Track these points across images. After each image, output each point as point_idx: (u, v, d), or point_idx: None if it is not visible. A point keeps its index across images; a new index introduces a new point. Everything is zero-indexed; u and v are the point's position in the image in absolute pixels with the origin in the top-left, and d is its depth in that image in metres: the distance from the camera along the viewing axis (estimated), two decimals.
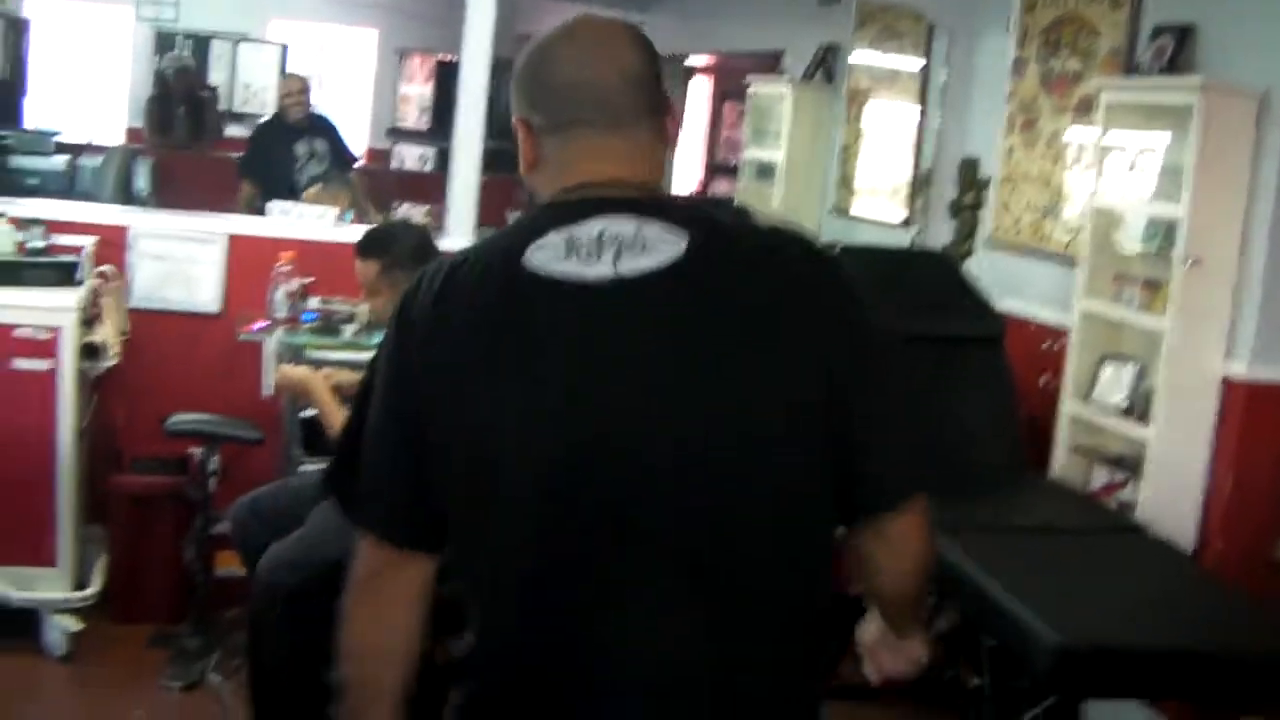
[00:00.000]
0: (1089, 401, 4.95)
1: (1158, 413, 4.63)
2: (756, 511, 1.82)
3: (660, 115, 1.95)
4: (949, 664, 4.53)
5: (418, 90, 12.68)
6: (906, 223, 6.50)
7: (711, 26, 9.28)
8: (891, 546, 1.98)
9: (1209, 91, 4.49)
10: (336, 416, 4.21)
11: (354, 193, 6.81)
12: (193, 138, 10.30)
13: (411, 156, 12.03)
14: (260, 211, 6.57)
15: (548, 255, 1.79)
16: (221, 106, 11.58)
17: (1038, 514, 4.57)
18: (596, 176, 1.89)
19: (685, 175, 10.43)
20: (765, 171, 7.71)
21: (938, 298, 5.16)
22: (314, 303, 5.17)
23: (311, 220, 5.81)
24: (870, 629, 2.29)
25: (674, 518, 1.78)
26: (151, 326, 5.23)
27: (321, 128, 7.62)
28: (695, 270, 1.80)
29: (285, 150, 7.58)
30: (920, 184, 6.40)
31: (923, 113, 6.50)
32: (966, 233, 6.00)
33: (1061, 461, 5.02)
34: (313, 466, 4.70)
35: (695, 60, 10.42)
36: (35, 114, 10.12)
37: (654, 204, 1.86)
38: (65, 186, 8.01)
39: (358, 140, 12.81)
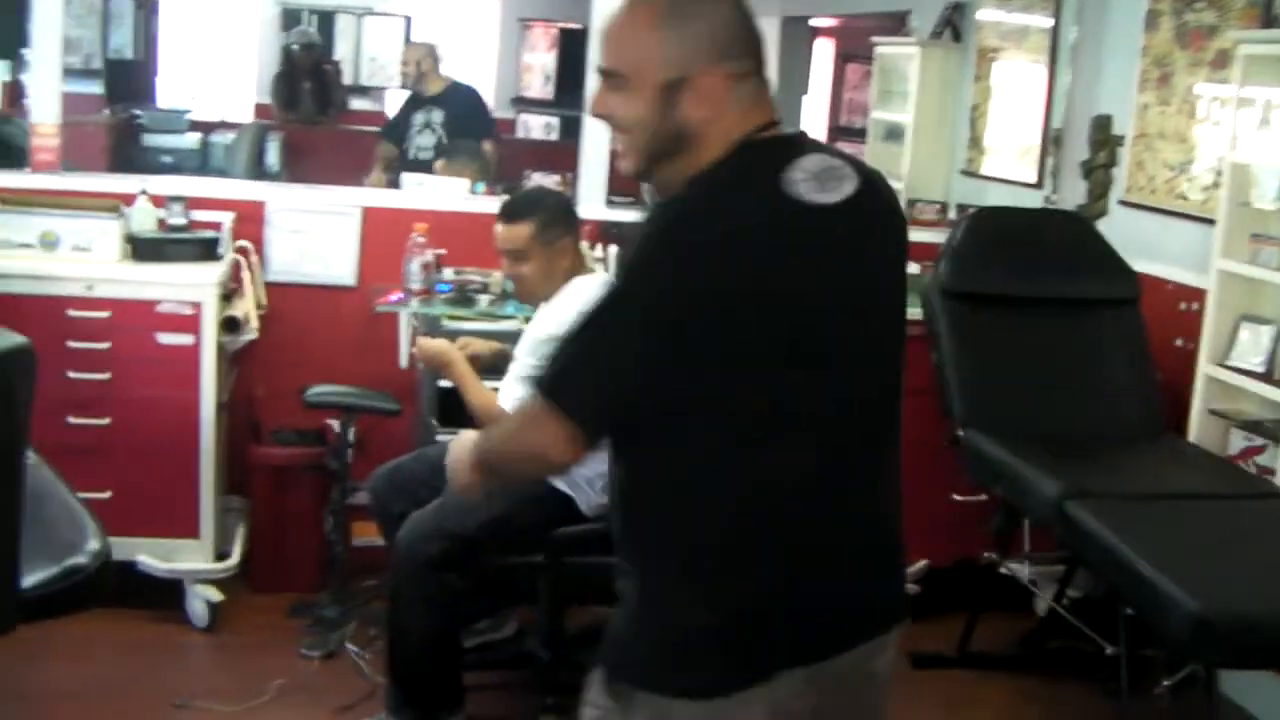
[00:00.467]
0: (1226, 364, 4.87)
1: None
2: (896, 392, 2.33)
3: None
4: (1084, 632, 4.51)
5: (541, 59, 12.71)
6: (1038, 183, 6.42)
7: None
8: None
9: None
10: (474, 388, 4.26)
11: (483, 164, 6.83)
12: (319, 112, 10.45)
13: (537, 125, 12.06)
14: (395, 176, 6.67)
15: (806, 187, 2.08)
16: (347, 80, 11.72)
17: (1174, 480, 4.52)
18: (771, 118, 2.18)
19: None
20: (894, 133, 7.67)
21: (1071, 259, 5.12)
22: (448, 274, 5.21)
23: (444, 191, 5.85)
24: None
25: (878, 389, 2.28)
26: (288, 300, 5.31)
27: (449, 99, 7.64)
28: (868, 198, 2.17)
29: (406, 118, 7.66)
30: (1051, 143, 6.32)
31: (1053, 71, 6.40)
32: (1099, 192, 5.91)
33: (1198, 425, 4.94)
34: (449, 437, 4.77)
35: (818, 22, 10.35)
36: (167, 93, 10.31)
37: (816, 143, 2.24)
38: (198, 164, 8.21)
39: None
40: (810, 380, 2.11)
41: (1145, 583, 3.62)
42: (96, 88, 8.80)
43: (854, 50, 9.51)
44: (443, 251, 5.25)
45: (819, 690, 2.18)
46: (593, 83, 2.27)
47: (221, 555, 4.86)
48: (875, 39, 8.13)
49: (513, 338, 4.52)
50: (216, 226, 5.06)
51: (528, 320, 4.56)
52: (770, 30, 10.07)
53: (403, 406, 4.88)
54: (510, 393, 4.23)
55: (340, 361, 5.22)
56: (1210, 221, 5.01)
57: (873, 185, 2.19)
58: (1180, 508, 4.19)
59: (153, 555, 4.71)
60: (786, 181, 2.07)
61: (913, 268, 5.50)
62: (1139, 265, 5.19)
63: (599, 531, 4.20)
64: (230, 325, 4.81)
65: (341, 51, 11.82)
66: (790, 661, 2.15)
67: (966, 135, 7.22)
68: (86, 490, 3.61)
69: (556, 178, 6.05)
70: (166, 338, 4.64)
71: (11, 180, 5.07)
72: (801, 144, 2.17)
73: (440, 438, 4.81)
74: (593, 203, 5.60)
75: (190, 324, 4.64)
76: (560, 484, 4.20)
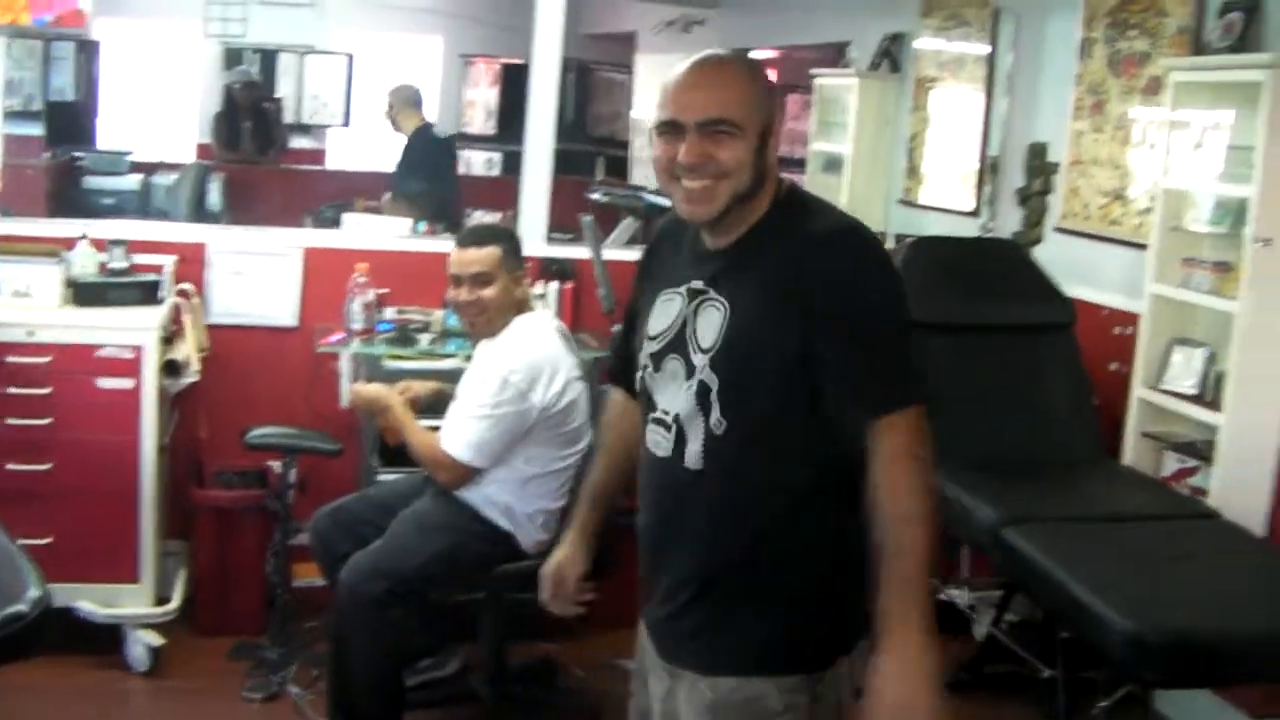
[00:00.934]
0: (1159, 387, 4.94)
1: (1229, 397, 4.61)
2: None
3: None
4: (1022, 655, 4.56)
5: (483, 94, 12.78)
6: (975, 211, 6.49)
7: (776, 20, 9.31)
8: None
9: (1278, 68, 4.46)
10: (413, 429, 4.30)
11: (425, 205, 6.88)
12: (259, 151, 10.46)
13: (479, 161, 12.12)
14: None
15: None
16: (290, 119, 11.72)
17: (1109, 502, 4.58)
18: None
19: None
20: (833, 163, 7.72)
21: (1008, 286, 5.18)
22: (390, 313, 5.22)
23: (386, 231, 5.87)
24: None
25: None
26: (230, 342, 5.28)
27: (410, 140, 7.74)
28: None
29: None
30: (988, 171, 6.39)
31: (989, 99, 6.48)
32: (1035, 219, 5.98)
33: (1132, 448, 5.01)
34: (391, 476, 4.79)
35: (759, 54, 10.42)
36: (107, 134, 10.28)
37: None
38: (139, 205, 8.19)
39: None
40: None
41: (1081, 605, 3.66)
42: (37, 130, 8.77)
43: (794, 81, 9.57)
44: (384, 291, 5.25)
45: None
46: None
47: (162, 599, 4.83)
48: (814, 70, 8.19)
49: (454, 376, 4.54)
50: (158, 269, 5.05)
51: (468, 359, 4.57)
52: None
53: (345, 447, 4.88)
54: (450, 431, 4.24)
55: (282, 402, 5.20)
56: (1143, 247, 5.08)
57: None
58: (1115, 530, 4.25)
59: (93, 601, 4.68)
60: None
61: None
62: (1074, 291, 5.26)
63: (539, 567, 4.25)
64: (171, 368, 4.80)
65: (284, 90, 11.82)
66: None
67: (904, 164, 7.28)
68: (26, 536, 3.60)
69: (498, 215, 6.06)
70: (107, 382, 4.62)
71: None
72: None
73: (382, 477, 4.82)
74: (534, 239, 5.61)
75: (131, 368, 4.62)
76: (501, 521, 4.23)
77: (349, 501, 4.53)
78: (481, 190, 9.08)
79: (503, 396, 4.15)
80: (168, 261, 5.12)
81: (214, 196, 8.45)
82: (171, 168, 9.03)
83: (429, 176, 7.57)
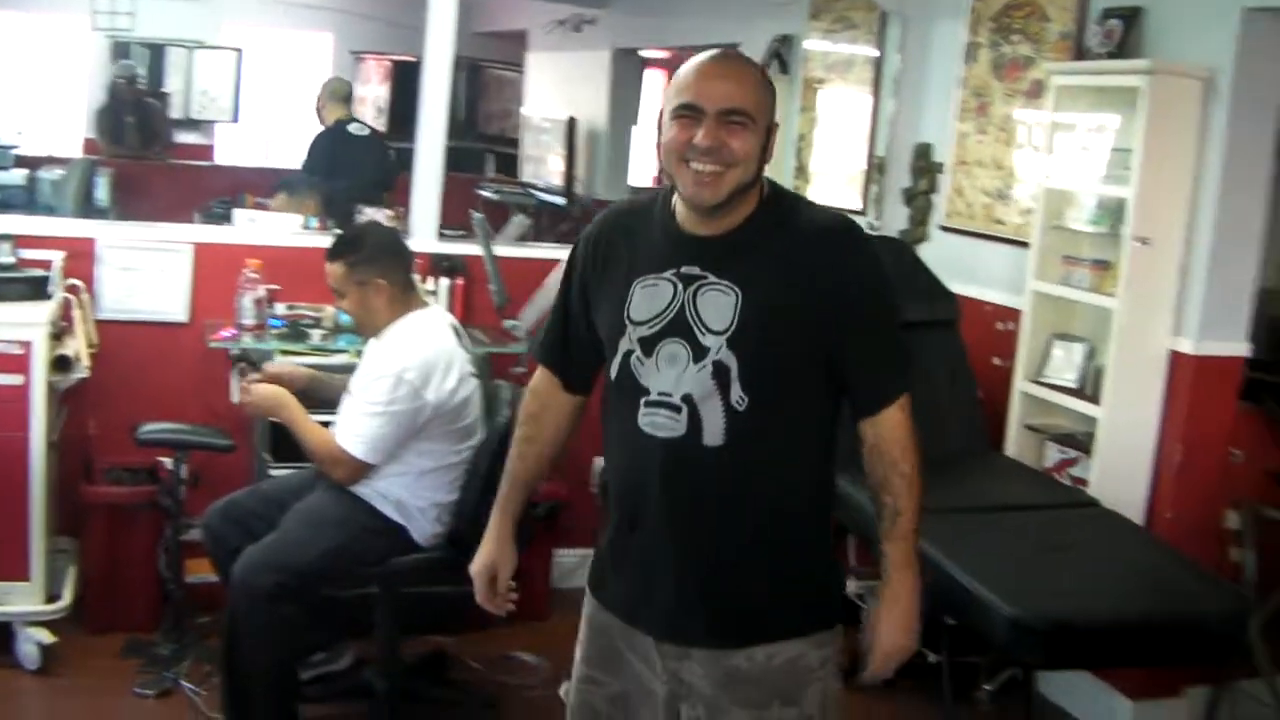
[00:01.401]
0: (1041, 380, 5.06)
1: (1107, 390, 4.76)
2: None
3: None
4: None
5: (374, 91, 12.74)
6: (862, 210, 6.58)
7: (666, 22, 9.36)
8: None
9: (1156, 74, 4.61)
10: (307, 426, 4.32)
11: (320, 200, 6.86)
12: (143, 145, 10.37)
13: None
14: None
15: None
16: (179, 114, 11.63)
17: (993, 494, 4.68)
18: None
19: (640, 167, 10.47)
20: None
21: (894, 283, 5.26)
22: (280, 309, 5.22)
23: (276, 227, 5.86)
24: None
25: None
26: (120, 337, 5.23)
27: (320, 134, 7.76)
28: None
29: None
30: (875, 170, 6.48)
31: (876, 100, 6.56)
32: (920, 218, 6.09)
33: (1015, 440, 5.15)
34: (283, 471, 4.79)
35: (649, 54, 10.49)
36: None
37: None
38: (25, 200, 8.07)
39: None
40: None
41: (966, 592, 3.76)
42: None
43: None
44: (275, 287, 5.25)
45: None
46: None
47: (53, 597, 4.78)
48: None
49: (346, 370, 4.57)
50: (46, 265, 5.00)
51: (359, 354, 4.59)
52: (601, 63, 10.21)
53: (236, 442, 4.87)
54: (344, 428, 4.27)
55: (174, 398, 5.19)
56: (1025, 245, 5.20)
57: None
58: (999, 519, 4.35)
59: None
60: None
61: None
62: (959, 288, 5.38)
63: (433, 560, 4.28)
64: (61, 364, 4.75)
65: (173, 85, 11.73)
66: None
67: (793, 164, 7.35)
68: None
69: (389, 212, 6.07)
70: None
71: None
72: None
73: (274, 472, 4.83)
74: (425, 236, 5.65)
75: (19, 364, 4.57)
76: (395, 515, 4.25)
77: (241, 496, 4.51)
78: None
79: (397, 394, 4.17)
80: (56, 257, 5.07)
81: (101, 192, 8.35)
82: (58, 162, 8.93)
83: (329, 171, 7.54)
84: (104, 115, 10.57)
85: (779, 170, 7.39)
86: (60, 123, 11.59)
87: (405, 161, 6.45)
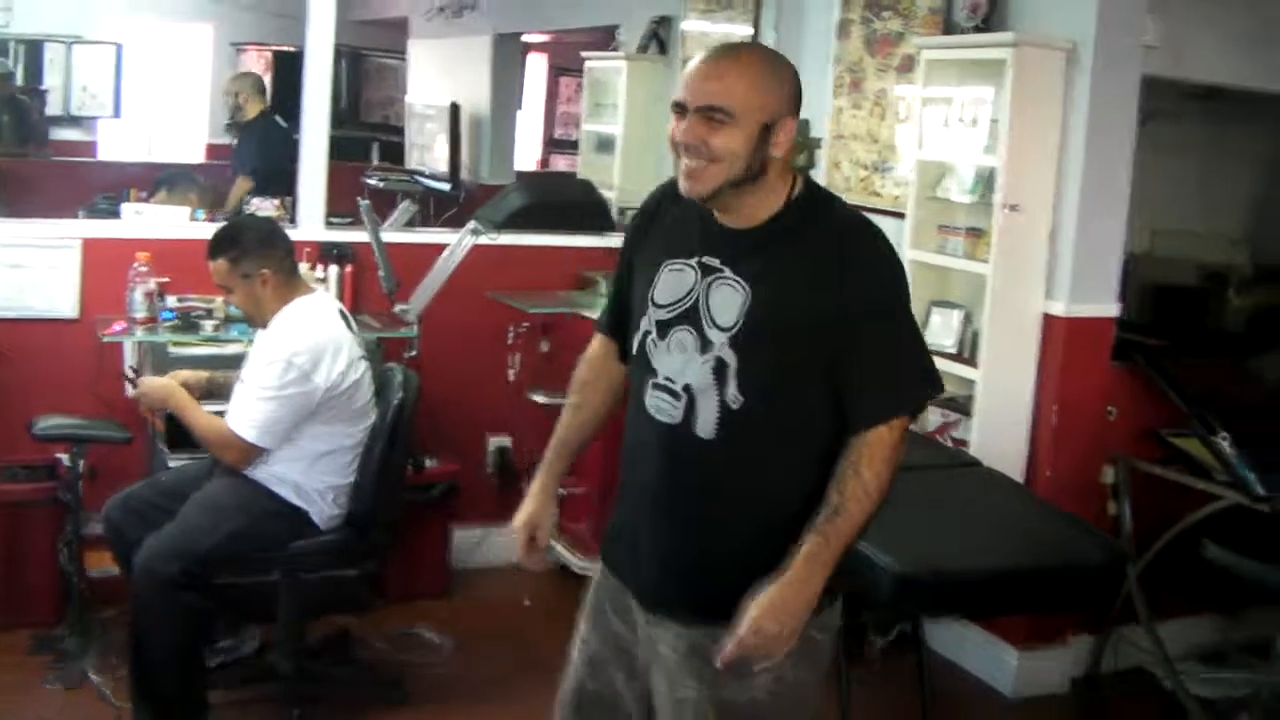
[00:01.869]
0: None
1: (984, 353, 4.93)
2: None
3: None
4: None
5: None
6: None
7: (546, 6, 9.44)
8: None
9: (1020, 46, 4.77)
10: (198, 415, 4.40)
11: (203, 192, 6.87)
12: (18, 143, 10.27)
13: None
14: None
15: None
16: (58, 111, 11.53)
17: None
18: None
19: (525, 151, 10.54)
20: (605, 144, 7.88)
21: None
22: (172, 301, 5.24)
23: (164, 220, 5.88)
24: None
25: None
26: (9, 335, 5.24)
27: (253, 125, 7.77)
28: None
29: None
30: None
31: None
32: None
33: None
34: (180, 462, 4.84)
35: (530, 38, 10.56)
36: None
37: None
38: None
39: (197, 137, 12.87)
40: None
41: (853, 553, 3.88)
42: None
43: (566, 65, 9.72)
44: (166, 280, 5.27)
45: None
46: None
47: None
48: (584, 54, 8.35)
49: (238, 361, 4.64)
50: None
51: (251, 343, 4.66)
52: (482, 48, 10.25)
53: (134, 435, 4.91)
54: (236, 413, 4.33)
55: (68, 394, 5.19)
56: (902, 215, 5.34)
57: None
58: None
59: None
60: None
61: None
62: None
63: (333, 543, 4.37)
64: None
65: (51, 81, 11.61)
66: None
67: None
68: None
69: (275, 201, 6.10)
70: None
71: None
72: None
73: (172, 463, 4.87)
74: (312, 224, 5.70)
75: None
76: (292, 498, 4.33)
77: (139, 488, 4.57)
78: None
79: (287, 378, 4.25)
80: None
81: None
82: None
83: (270, 160, 7.55)
84: None
85: (659, 152, 7.50)
86: None
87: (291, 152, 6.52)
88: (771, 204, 2.62)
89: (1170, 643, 4.95)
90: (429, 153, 10.43)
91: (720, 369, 2.59)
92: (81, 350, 5.31)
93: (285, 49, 11.48)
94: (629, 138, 7.57)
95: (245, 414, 4.29)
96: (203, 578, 4.16)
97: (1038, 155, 4.86)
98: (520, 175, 9.85)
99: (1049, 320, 4.94)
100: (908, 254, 5.19)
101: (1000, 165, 4.82)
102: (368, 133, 12.14)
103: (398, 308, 5.31)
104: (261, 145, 8.01)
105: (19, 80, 11.36)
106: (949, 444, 5.08)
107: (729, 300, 2.59)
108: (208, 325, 5.18)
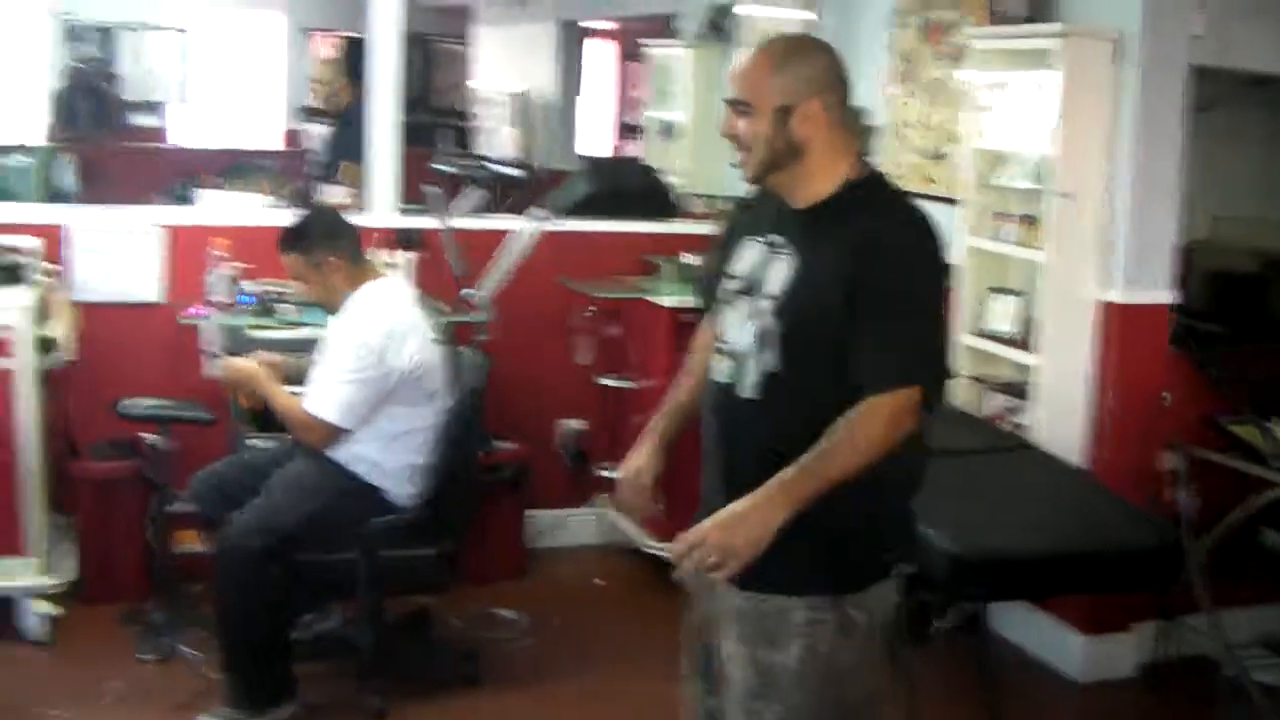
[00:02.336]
0: (980, 332, 5.32)
1: (1042, 339, 5.00)
2: None
3: None
4: None
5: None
6: None
7: None
8: None
9: (1068, 36, 4.85)
10: (279, 396, 4.55)
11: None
12: (97, 128, 10.44)
13: (324, 135, 12.19)
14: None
15: None
16: (131, 96, 11.73)
17: (936, 440, 4.91)
18: (858, 149, 2.90)
19: (596, 136, 10.63)
20: (669, 130, 7.98)
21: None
22: (249, 286, 5.39)
23: (242, 207, 6.04)
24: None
25: None
26: (95, 319, 5.35)
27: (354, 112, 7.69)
28: None
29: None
30: None
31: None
32: None
33: (959, 389, 5.39)
34: (260, 442, 5.01)
35: (591, 24, 10.66)
36: None
37: None
38: None
39: (274, 123, 13.02)
40: None
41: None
42: None
43: (634, 51, 9.81)
44: (244, 265, 5.43)
45: None
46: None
47: (52, 571, 4.96)
48: (644, 41, 8.45)
49: (313, 345, 4.80)
50: (21, 251, 5.14)
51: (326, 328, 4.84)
52: (547, 35, 10.38)
53: (216, 415, 5.06)
54: (316, 395, 4.50)
55: (151, 376, 5.35)
56: (957, 202, 5.44)
57: None
58: (942, 464, 4.56)
59: None
60: None
61: (690, 257, 5.89)
62: None
63: (410, 521, 4.53)
64: (45, 346, 4.91)
65: (124, 67, 11.80)
66: None
67: None
68: None
69: (347, 188, 6.23)
70: None
71: None
72: None
73: (251, 443, 5.04)
74: (383, 210, 5.86)
75: (3, 348, 4.73)
76: (371, 477, 4.50)
77: (224, 466, 4.75)
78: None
79: (364, 362, 4.42)
80: (31, 243, 5.18)
81: (67, 178, 8.47)
82: (18, 150, 9.00)
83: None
84: (60, 100, 10.65)
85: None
86: (20, 109, 11.61)
87: None
88: (825, 185, 2.80)
89: (1234, 630, 4.96)
90: (496, 138, 10.57)
91: (765, 334, 2.77)
92: (163, 333, 5.49)
93: (356, 35, 11.61)
94: (693, 123, 7.68)
95: (324, 397, 4.46)
96: (286, 553, 4.32)
97: (1089, 144, 4.93)
98: (586, 162, 9.94)
99: (1105, 307, 5.01)
100: (965, 241, 5.30)
101: (1053, 154, 4.91)
102: (435, 118, 12.28)
103: (466, 292, 5.45)
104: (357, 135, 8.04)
105: (109, 68, 11.58)
106: (1008, 428, 5.16)
107: (780, 272, 2.78)
108: (284, 309, 5.33)
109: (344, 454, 4.51)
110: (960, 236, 5.33)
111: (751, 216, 2.97)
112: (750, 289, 2.83)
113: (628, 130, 10.82)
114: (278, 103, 13.12)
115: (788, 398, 2.76)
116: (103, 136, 10.42)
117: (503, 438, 5.72)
